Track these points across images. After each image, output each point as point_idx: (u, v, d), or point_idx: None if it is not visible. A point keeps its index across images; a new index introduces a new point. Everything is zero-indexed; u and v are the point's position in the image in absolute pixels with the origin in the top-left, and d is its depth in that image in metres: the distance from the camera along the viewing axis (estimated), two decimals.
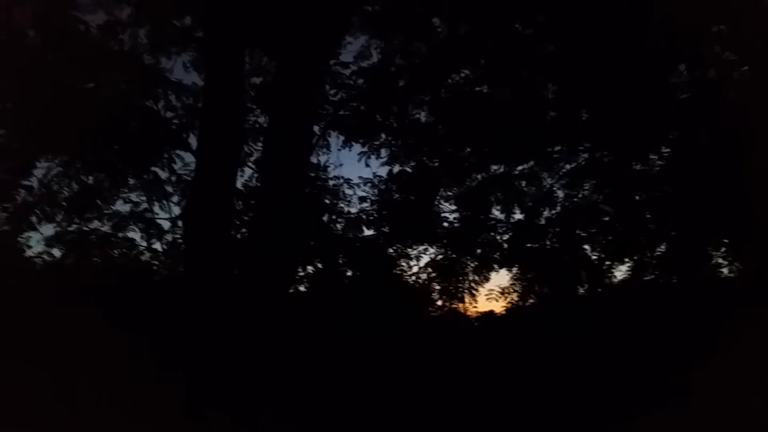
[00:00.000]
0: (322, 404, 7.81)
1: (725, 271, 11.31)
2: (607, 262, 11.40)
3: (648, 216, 11.01)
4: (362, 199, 11.74)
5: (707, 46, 9.40)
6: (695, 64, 9.73)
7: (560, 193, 11.77)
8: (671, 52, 9.40)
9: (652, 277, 11.08)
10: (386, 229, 11.60)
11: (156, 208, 10.54)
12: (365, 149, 11.23)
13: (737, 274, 11.22)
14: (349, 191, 11.80)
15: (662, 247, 11.14)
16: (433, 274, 11.98)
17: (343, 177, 11.82)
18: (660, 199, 10.81)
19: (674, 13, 8.53)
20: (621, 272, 11.57)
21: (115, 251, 10.25)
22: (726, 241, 11.08)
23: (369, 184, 11.71)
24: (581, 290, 11.92)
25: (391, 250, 11.79)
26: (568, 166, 11.54)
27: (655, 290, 10.98)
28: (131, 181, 10.37)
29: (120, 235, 10.35)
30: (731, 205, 9.48)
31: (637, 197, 11.09)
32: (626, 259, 11.25)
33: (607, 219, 11.26)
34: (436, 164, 11.43)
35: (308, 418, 7.39)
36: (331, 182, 11.74)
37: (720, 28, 9.20)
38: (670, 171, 10.60)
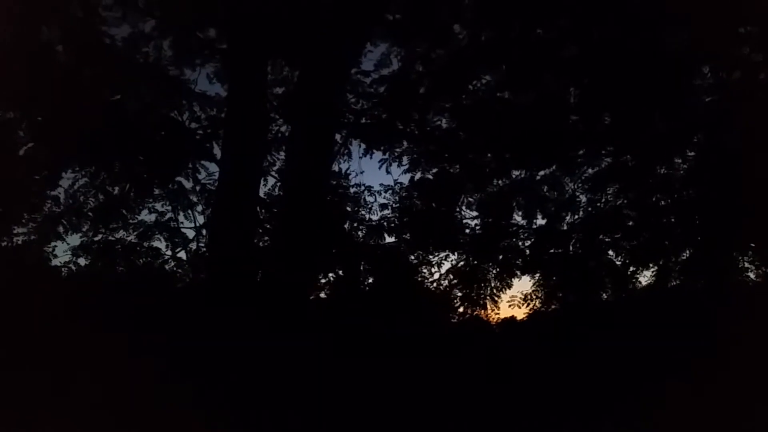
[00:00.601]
0: (341, 411, 7.82)
1: (752, 275, 11.18)
2: (632, 268, 11.28)
3: (673, 220, 10.88)
4: (383, 207, 11.79)
5: (733, 48, 9.28)
6: (720, 65, 9.60)
7: (583, 198, 11.73)
8: (695, 54, 9.28)
9: (677, 282, 10.95)
10: (407, 236, 11.58)
11: (181, 218, 10.70)
12: (386, 156, 11.26)
13: (764, 279, 11.07)
14: (370, 198, 11.86)
15: (687, 252, 11.03)
16: (455, 281, 11.95)
17: (364, 184, 11.90)
18: (685, 203, 10.69)
19: (700, 15, 8.46)
20: (645, 278, 11.49)
21: (140, 260, 10.37)
22: (753, 245, 10.93)
23: (390, 191, 11.75)
24: (605, 296, 11.83)
25: (412, 257, 11.78)
26: (590, 171, 11.50)
27: (680, 295, 10.85)
28: (156, 191, 10.52)
29: (145, 244, 10.48)
30: (758, 209, 9.34)
31: (662, 202, 10.98)
32: (651, 265, 11.14)
33: (630, 224, 11.15)
34: (458, 170, 11.39)
35: (327, 425, 7.41)
36: (352, 190, 11.81)
37: (747, 29, 9.09)
38: (695, 175, 10.49)
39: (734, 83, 9.58)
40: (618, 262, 11.34)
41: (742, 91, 9.41)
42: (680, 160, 10.68)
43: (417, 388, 8.75)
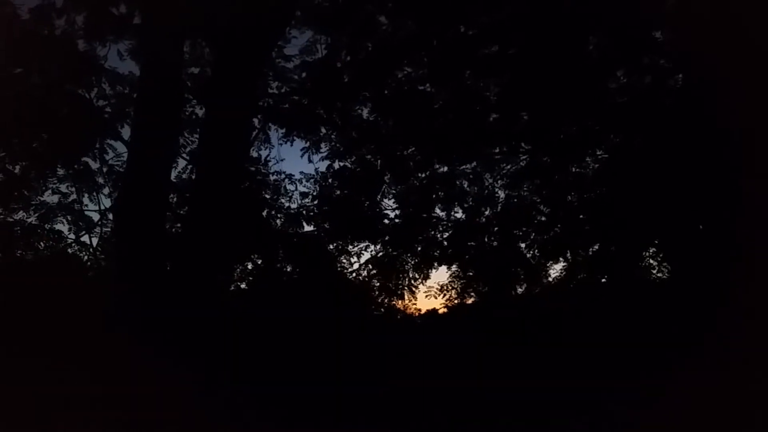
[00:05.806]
0: (260, 404, 7.70)
1: (655, 272, 11.73)
2: (542, 261, 11.63)
3: (582, 217, 11.25)
4: (303, 195, 11.67)
5: (646, 54, 9.65)
6: (633, 70, 9.96)
7: (501, 194, 11.98)
8: (610, 58, 9.59)
9: (584, 275, 11.31)
10: (327, 226, 11.50)
11: (85, 200, 10.21)
12: (307, 145, 11.11)
13: (667, 276, 11.61)
14: (290, 187, 11.69)
15: (595, 247, 11.42)
16: (374, 271, 11.96)
17: (284, 172, 11.75)
18: (594, 200, 11.07)
19: (615, 19, 8.75)
20: (555, 271, 11.88)
21: (41, 243, 9.84)
22: (657, 243, 11.43)
23: (312, 180, 11.64)
24: (519, 288, 12.12)
25: (331, 247, 11.71)
26: (509, 168, 11.75)
27: (587, 289, 11.22)
28: (60, 171, 9.99)
29: (46, 226, 9.93)
30: (664, 209, 9.77)
31: (573, 199, 11.33)
32: (561, 259, 11.51)
33: (543, 219, 11.46)
34: (379, 161, 11.39)
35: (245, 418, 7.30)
36: (272, 177, 11.61)
37: (657, 35, 9.49)
38: (606, 174, 10.87)
39: (645, 88, 9.98)
40: (529, 255, 11.65)
41: (652, 95, 9.82)
42: (591, 160, 11.05)
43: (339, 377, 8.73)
